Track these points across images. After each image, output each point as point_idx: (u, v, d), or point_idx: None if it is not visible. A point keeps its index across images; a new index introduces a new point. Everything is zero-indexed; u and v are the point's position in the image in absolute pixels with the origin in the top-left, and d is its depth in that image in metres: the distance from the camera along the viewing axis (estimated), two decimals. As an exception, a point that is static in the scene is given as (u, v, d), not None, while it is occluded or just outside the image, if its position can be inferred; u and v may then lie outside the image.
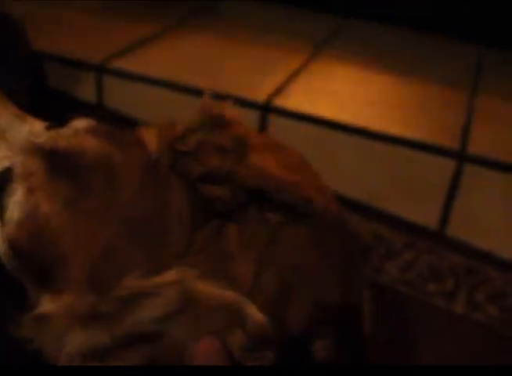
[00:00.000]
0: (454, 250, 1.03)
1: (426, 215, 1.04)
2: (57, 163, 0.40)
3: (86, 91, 1.18)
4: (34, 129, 0.44)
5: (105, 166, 0.40)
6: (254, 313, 0.36)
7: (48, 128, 0.44)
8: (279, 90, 1.10)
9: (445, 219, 1.03)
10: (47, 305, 0.38)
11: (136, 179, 0.40)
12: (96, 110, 1.17)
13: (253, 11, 1.46)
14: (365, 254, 1.02)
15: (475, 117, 1.08)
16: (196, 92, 1.09)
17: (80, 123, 0.43)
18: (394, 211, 1.05)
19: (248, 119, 1.07)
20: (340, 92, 1.12)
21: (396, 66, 1.25)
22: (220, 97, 0.44)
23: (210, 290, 0.36)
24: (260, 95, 1.07)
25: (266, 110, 1.06)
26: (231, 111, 0.45)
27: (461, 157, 0.99)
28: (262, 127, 1.06)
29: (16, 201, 0.40)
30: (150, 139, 0.42)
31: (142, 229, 0.39)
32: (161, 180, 0.41)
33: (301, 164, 0.53)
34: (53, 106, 1.18)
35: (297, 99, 1.08)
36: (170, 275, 0.37)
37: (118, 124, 1.15)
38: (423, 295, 1.01)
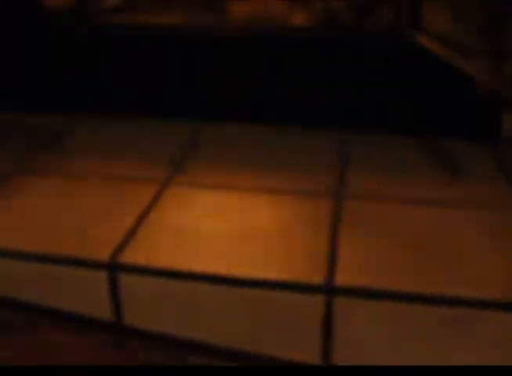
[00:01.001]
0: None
1: (307, 352, 0.95)
2: None
3: None
4: None
5: None
6: None
7: None
8: (127, 240, 1.00)
9: (327, 354, 0.94)
10: None
11: None
12: None
13: (103, 131, 1.36)
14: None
15: (341, 236, 1.01)
16: (41, 260, 0.98)
17: None
18: (272, 353, 0.96)
19: (95, 282, 0.96)
20: (195, 229, 1.03)
21: (254, 180, 1.17)
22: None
23: None
24: (105, 252, 0.97)
25: (113, 269, 0.95)
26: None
27: (329, 290, 0.91)
28: (113, 289, 0.96)
29: None
30: None
31: None
32: None
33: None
34: None
35: (148, 249, 0.98)
36: None
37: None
38: None
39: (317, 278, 0.92)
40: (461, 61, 1.19)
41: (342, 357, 0.94)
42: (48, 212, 1.08)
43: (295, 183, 1.15)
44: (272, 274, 0.92)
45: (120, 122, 1.40)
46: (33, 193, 1.14)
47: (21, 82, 1.46)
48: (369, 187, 1.14)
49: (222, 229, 1.03)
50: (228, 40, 1.34)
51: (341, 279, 0.92)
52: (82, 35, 1.39)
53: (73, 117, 1.43)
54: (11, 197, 1.12)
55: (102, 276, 0.95)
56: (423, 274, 0.92)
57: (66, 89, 1.44)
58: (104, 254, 0.96)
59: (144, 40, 1.39)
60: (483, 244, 0.98)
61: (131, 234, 1.01)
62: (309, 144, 1.29)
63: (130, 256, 0.96)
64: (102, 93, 1.43)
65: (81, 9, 1.42)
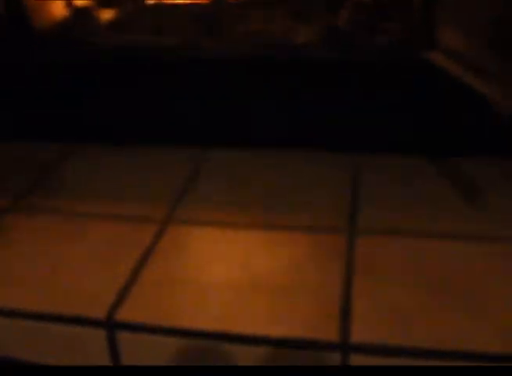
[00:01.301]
0: None
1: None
2: None
3: None
4: None
5: None
6: None
7: None
8: (123, 295, 0.92)
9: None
10: None
11: None
12: None
13: (98, 162, 1.29)
14: None
15: (356, 281, 0.93)
16: (35, 318, 0.91)
17: None
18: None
19: (93, 342, 0.89)
20: (197, 279, 0.95)
21: (259, 216, 1.09)
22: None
23: None
24: (100, 308, 0.90)
25: (111, 327, 0.88)
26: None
27: (344, 348, 0.84)
28: (112, 349, 0.89)
29: None
30: None
31: None
32: None
33: None
34: None
35: (147, 304, 0.90)
36: None
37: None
38: None
39: (331, 334, 0.85)
40: (476, 80, 1.11)
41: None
42: (38, 262, 1.00)
43: (303, 220, 1.07)
44: (280, 331, 0.85)
45: (115, 152, 1.32)
46: (21, 239, 1.06)
47: (7, 109, 1.38)
48: (385, 221, 1.06)
49: (225, 278, 0.95)
50: (229, 61, 1.26)
51: (357, 334, 0.84)
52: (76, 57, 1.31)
53: (65, 148, 1.35)
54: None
55: (99, 334, 0.89)
56: (447, 326, 0.85)
57: (58, 116, 1.36)
58: (100, 312, 0.89)
59: (141, 62, 1.31)
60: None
61: (128, 288, 0.93)
62: (317, 172, 1.21)
63: (127, 314, 0.89)
64: (97, 121, 1.35)
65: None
